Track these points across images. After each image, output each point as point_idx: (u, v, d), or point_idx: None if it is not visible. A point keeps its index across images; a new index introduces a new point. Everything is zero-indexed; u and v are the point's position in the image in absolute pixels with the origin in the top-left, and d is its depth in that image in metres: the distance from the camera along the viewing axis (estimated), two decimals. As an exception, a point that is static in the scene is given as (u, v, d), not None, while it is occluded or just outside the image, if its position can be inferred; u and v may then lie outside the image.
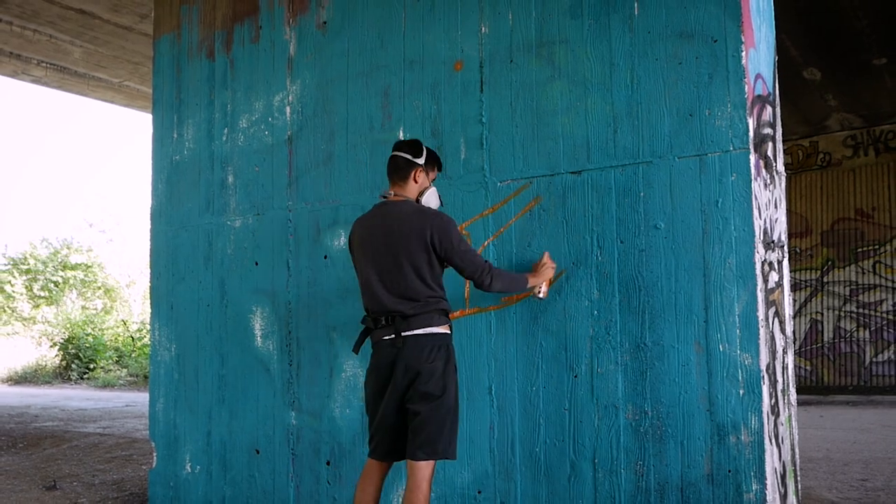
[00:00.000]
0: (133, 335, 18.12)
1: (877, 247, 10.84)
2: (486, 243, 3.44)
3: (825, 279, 11.17)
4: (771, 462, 2.82)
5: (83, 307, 20.96)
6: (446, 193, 3.56)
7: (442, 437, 2.85)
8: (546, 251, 3.22)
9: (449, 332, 2.98)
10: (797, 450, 3.27)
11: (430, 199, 3.09)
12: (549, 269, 3.14)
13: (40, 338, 18.91)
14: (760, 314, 2.82)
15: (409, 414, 2.88)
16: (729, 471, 2.82)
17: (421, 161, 3.03)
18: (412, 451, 2.84)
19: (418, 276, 2.89)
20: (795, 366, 9.31)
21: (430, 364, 2.85)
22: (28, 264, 21.26)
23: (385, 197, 3.06)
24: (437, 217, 2.93)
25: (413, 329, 2.88)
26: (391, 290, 2.91)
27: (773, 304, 2.99)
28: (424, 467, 2.81)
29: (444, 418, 2.86)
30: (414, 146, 3.05)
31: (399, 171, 3.03)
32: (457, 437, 2.93)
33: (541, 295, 3.17)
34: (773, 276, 3.04)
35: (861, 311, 10.86)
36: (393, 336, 2.89)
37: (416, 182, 3.04)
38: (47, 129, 54.45)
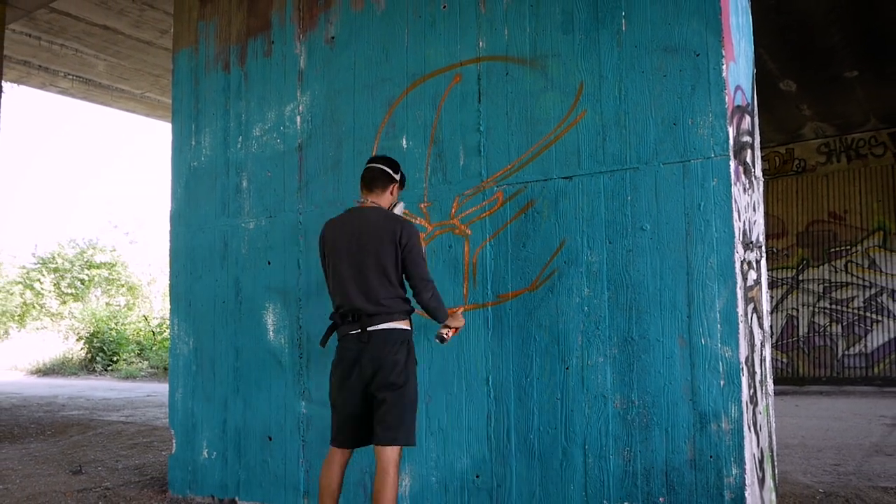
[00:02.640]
0: (154, 330, 18.10)
1: (848, 247, 10.84)
2: (483, 244, 3.44)
3: (800, 277, 11.17)
4: (750, 448, 2.82)
5: (107, 303, 20.93)
6: (446, 197, 3.57)
7: (403, 426, 2.92)
8: (462, 307, 3.36)
9: (410, 328, 3.04)
10: (774, 437, 3.26)
11: (398, 213, 3.17)
12: (461, 319, 3.18)
13: (67, 332, 18.90)
14: (740, 310, 2.82)
15: (374, 402, 2.94)
16: (710, 456, 2.82)
17: (398, 178, 3.16)
18: (379, 437, 2.91)
19: (386, 276, 2.94)
20: (773, 358, 9.30)
21: (393, 356, 2.91)
22: (56, 263, 21.23)
23: (360, 203, 3.13)
24: (407, 223, 3.02)
25: (377, 325, 2.93)
26: (360, 288, 2.95)
27: (751, 300, 2.99)
28: (390, 452, 2.87)
29: (405, 407, 2.93)
30: (393, 163, 3.15)
31: (378, 181, 3.11)
32: (415, 427, 2.99)
33: (446, 336, 3.11)
34: (752, 275, 3.04)
35: (834, 307, 10.86)
36: (359, 331, 2.94)
37: (391, 195, 3.15)
38: (74, 136, 54.49)
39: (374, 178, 3.11)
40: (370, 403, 2.97)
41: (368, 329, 2.93)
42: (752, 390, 2.90)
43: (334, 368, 3.05)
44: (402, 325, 2.99)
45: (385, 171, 3.11)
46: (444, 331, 3.11)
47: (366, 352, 2.93)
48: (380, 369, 2.90)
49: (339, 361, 3.03)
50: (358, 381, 2.95)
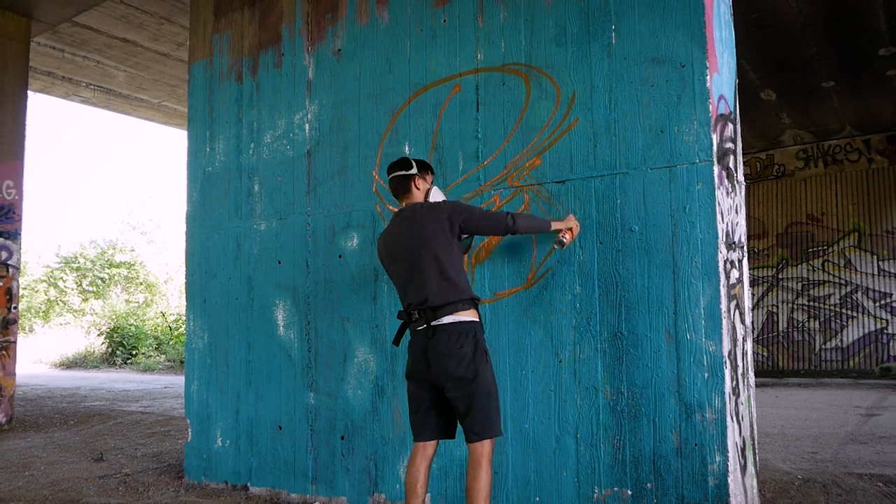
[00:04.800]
0: (171, 325, 18.09)
1: (825, 247, 10.85)
2: (481, 244, 3.44)
3: (780, 276, 11.17)
4: (732, 437, 2.82)
5: (127, 300, 20.92)
6: (446, 200, 3.56)
7: (487, 419, 2.74)
8: (571, 212, 3.18)
9: (477, 319, 2.84)
10: (755, 426, 3.26)
11: (436, 196, 3.05)
12: (573, 221, 3.09)
13: (89, 328, 18.89)
14: (723, 307, 2.82)
15: (449, 399, 2.78)
16: (695, 445, 2.82)
17: (414, 171, 3.01)
18: (466, 434, 2.75)
19: (442, 268, 2.80)
20: (754, 352, 9.30)
21: (459, 350, 2.73)
22: (78, 262, 21.22)
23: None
24: (446, 202, 2.93)
25: (441, 318, 2.77)
26: (420, 284, 2.82)
27: (734, 297, 2.99)
28: (479, 447, 2.71)
29: (483, 401, 2.74)
30: (403, 163, 3.04)
31: (400, 187, 3.02)
32: (500, 416, 2.80)
33: (565, 240, 3.02)
34: (735, 273, 3.04)
35: (812, 304, 10.86)
36: (424, 326, 2.80)
37: (418, 189, 3.01)
38: (94, 141, 54.43)
39: (396, 187, 3.03)
40: (442, 395, 2.81)
41: (433, 323, 2.77)
42: (734, 382, 2.91)
43: (407, 366, 2.93)
44: (467, 316, 2.80)
45: (400, 174, 3.01)
46: (561, 235, 3.02)
47: (431, 346, 2.77)
48: (446, 365, 2.72)
49: (409, 357, 2.91)
50: (426, 373, 2.80)
